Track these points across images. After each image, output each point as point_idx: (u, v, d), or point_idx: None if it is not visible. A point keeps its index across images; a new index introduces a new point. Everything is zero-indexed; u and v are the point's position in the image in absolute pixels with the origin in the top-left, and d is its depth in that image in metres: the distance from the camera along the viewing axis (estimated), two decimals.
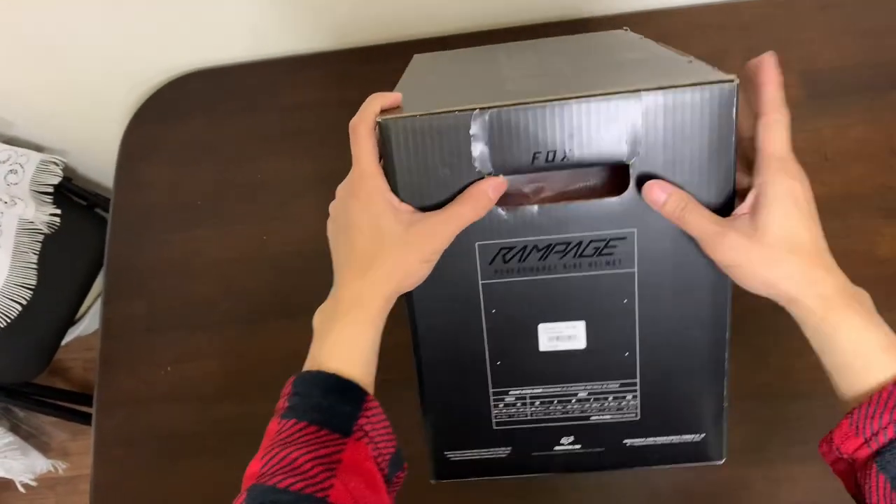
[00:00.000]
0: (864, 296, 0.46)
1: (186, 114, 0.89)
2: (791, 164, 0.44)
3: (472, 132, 0.46)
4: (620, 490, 0.67)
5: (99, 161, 1.10)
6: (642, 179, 0.47)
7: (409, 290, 0.49)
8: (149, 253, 0.82)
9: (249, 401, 0.75)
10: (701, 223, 0.45)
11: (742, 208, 0.45)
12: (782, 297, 0.44)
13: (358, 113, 0.48)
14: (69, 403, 1.25)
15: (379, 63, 0.87)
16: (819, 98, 0.79)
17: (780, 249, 0.43)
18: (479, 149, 0.47)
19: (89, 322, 1.27)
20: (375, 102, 0.48)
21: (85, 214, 1.12)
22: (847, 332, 0.43)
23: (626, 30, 0.67)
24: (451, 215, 0.47)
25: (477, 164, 0.47)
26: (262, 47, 0.90)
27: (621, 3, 0.86)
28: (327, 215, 0.84)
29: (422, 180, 0.48)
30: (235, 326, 0.78)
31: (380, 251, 0.47)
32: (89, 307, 1.25)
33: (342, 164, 0.82)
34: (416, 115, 0.46)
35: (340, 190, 0.51)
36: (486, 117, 0.46)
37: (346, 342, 0.47)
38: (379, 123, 0.47)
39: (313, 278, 0.78)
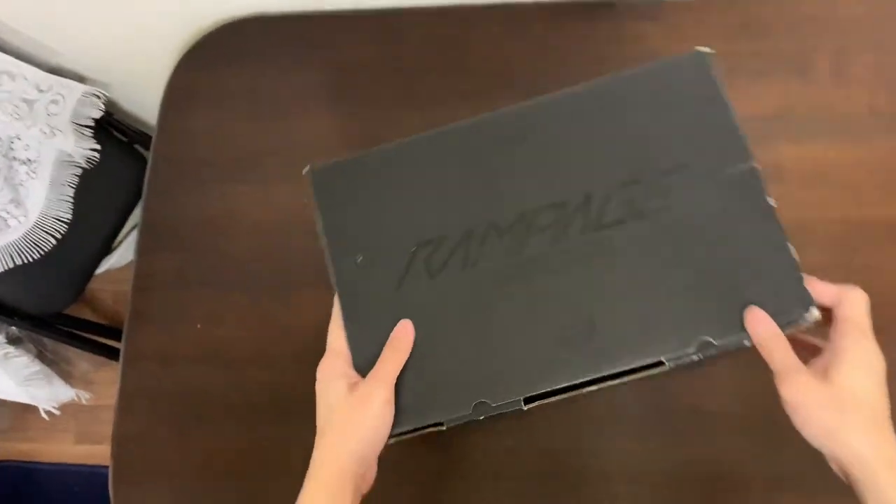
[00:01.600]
0: None
1: (238, 61, 0.85)
2: (872, 336, 0.47)
3: None
4: None
5: (143, 98, 1.07)
6: None
7: (371, 452, 0.52)
8: (186, 206, 0.80)
9: (277, 368, 0.73)
10: (781, 357, 0.47)
11: (816, 362, 0.47)
12: (841, 451, 0.45)
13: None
14: (96, 336, 1.25)
15: (431, 26, 0.83)
16: None
17: (849, 402, 0.45)
18: None
19: (122, 254, 1.27)
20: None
21: (125, 150, 1.10)
22: None
23: (704, 51, 0.55)
24: (378, 368, 0.52)
25: None
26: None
27: None
28: None
29: None
30: (268, 290, 0.76)
31: (327, 421, 0.52)
32: (122, 239, 1.25)
33: (389, 129, 0.79)
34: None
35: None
36: None
37: None
38: None
39: None
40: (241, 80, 0.84)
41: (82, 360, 1.35)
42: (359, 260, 0.55)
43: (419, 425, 0.52)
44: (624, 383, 0.51)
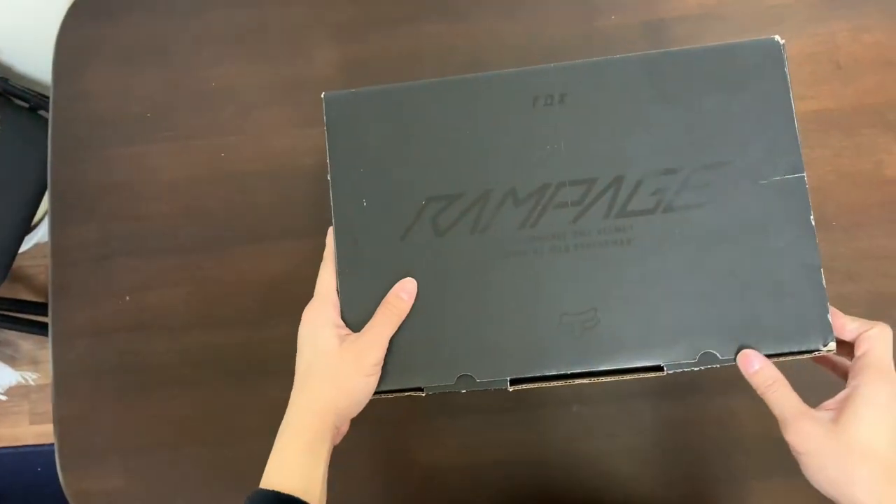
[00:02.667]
0: None
1: (129, 9, 0.78)
2: (893, 377, 0.44)
3: None
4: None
5: (37, 58, 1.00)
6: None
7: (353, 410, 0.50)
8: (96, 171, 0.75)
9: (217, 329, 0.71)
10: (784, 403, 0.45)
11: (829, 403, 0.45)
12: (847, 501, 0.43)
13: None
14: (35, 315, 1.21)
15: None
16: None
17: (856, 452, 0.42)
18: None
19: (48, 228, 1.21)
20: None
21: (28, 117, 1.03)
22: None
23: (779, 41, 0.50)
24: (375, 330, 0.49)
25: None
26: None
27: None
28: (291, 126, 0.77)
29: None
30: (196, 252, 0.72)
31: (312, 368, 0.50)
32: (46, 212, 1.19)
33: (306, 69, 0.75)
34: None
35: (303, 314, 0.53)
36: None
37: (285, 462, 0.49)
38: None
39: (277, 199, 0.73)
40: (135, 30, 0.77)
41: (25, 341, 1.30)
42: (364, 204, 0.51)
43: (400, 387, 0.50)
44: (618, 381, 0.49)
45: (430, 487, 0.67)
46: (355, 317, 0.50)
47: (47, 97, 1.04)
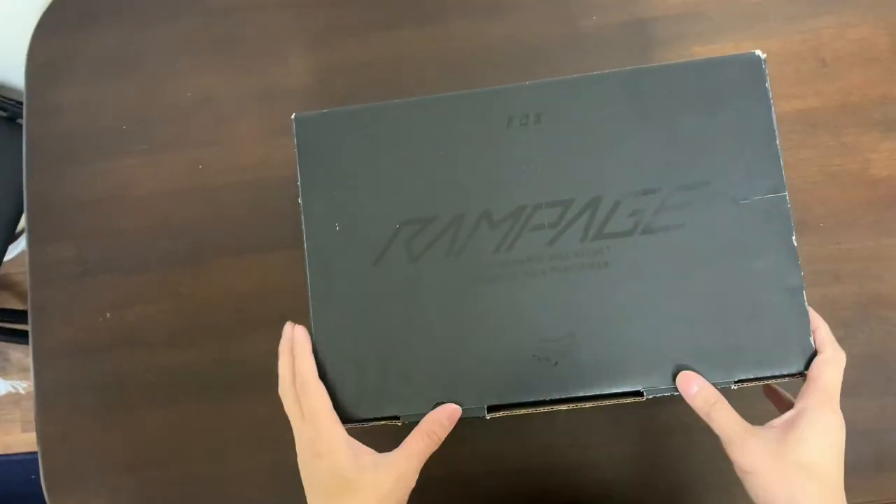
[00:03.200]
0: None
1: (100, 19, 0.77)
2: (837, 405, 0.45)
3: None
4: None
5: (11, 66, 0.98)
6: None
7: None
8: (72, 188, 0.73)
9: (197, 346, 0.70)
10: (727, 423, 0.45)
11: (776, 422, 0.45)
12: None
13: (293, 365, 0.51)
14: (19, 325, 1.20)
15: None
16: None
17: (801, 472, 0.43)
18: None
19: (26, 246, 1.20)
20: (302, 349, 0.50)
21: (6, 125, 1.01)
22: None
23: (760, 55, 0.49)
24: (411, 453, 0.47)
25: None
26: None
27: None
28: (267, 136, 0.75)
29: None
30: (175, 267, 0.71)
31: (342, 492, 0.46)
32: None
33: (282, 78, 0.73)
34: None
35: (303, 453, 0.49)
36: None
37: None
38: None
39: (256, 211, 0.72)
40: (106, 42, 0.76)
41: (14, 350, 1.29)
42: (337, 228, 0.50)
43: (376, 415, 0.49)
44: (597, 406, 0.49)
45: (413, 498, 0.67)
46: (328, 347, 0.49)
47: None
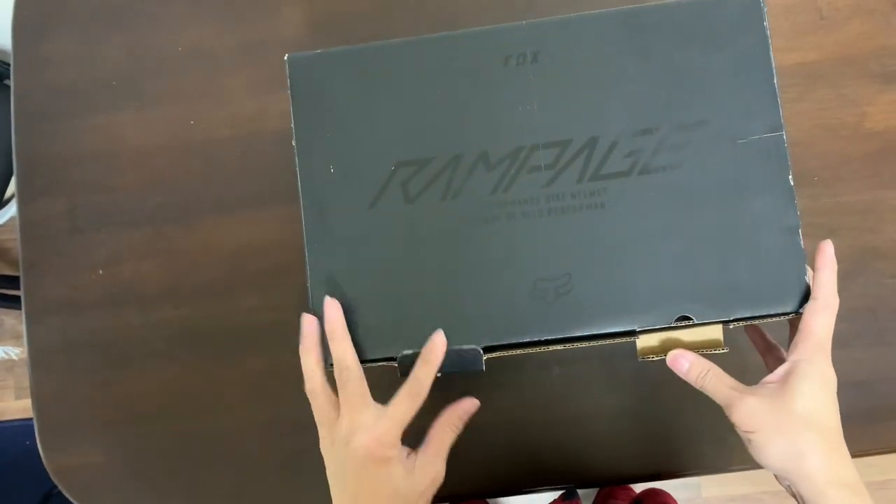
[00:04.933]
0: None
1: None
2: (829, 353, 0.45)
3: None
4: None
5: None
6: None
7: None
8: (62, 143, 0.72)
9: (191, 302, 0.70)
10: (723, 389, 0.45)
11: (771, 377, 0.45)
12: (794, 471, 0.43)
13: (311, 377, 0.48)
14: (10, 290, 1.19)
15: None
16: None
17: (802, 424, 0.43)
18: None
19: (16, 202, 1.19)
20: (341, 331, 0.48)
21: None
22: None
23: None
24: (440, 449, 0.48)
25: None
26: None
27: None
28: (259, 89, 0.74)
29: None
30: (168, 223, 0.71)
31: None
32: None
33: (274, 29, 0.72)
34: None
35: (340, 450, 0.47)
36: None
37: None
38: None
39: (250, 165, 0.71)
40: None
41: (7, 316, 1.28)
42: (332, 170, 0.49)
43: (373, 357, 0.49)
44: (592, 357, 0.49)
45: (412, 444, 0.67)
46: (323, 290, 0.49)
47: (8, 65, 1.01)
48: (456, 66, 0.49)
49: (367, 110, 0.49)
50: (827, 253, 0.46)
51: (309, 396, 0.48)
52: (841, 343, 0.62)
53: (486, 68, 0.48)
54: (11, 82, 0.74)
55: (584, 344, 0.48)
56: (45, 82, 0.73)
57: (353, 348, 0.47)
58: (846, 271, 0.64)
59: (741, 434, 0.45)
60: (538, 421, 0.65)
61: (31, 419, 1.13)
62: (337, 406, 0.47)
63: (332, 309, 0.48)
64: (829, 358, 0.45)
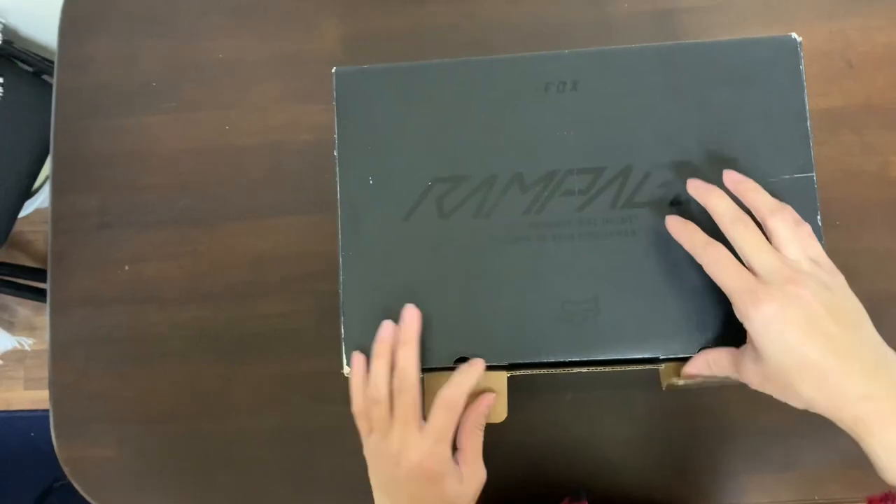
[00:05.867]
0: None
1: None
2: (755, 288, 0.41)
3: None
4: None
5: (44, 22, 0.99)
6: None
7: None
8: (98, 140, 0.74)
9: (212, 304, 0.71)
10: (723, 366, 0.45)
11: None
12: (826, 414, 0.41)
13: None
14: (31, 281, 1.20)
15: None
16: None
17: (783, 381, 0.41)
18: None
19: (49, 193, 1.21)
20: (413, 335, 0.48)
21: (32, 81, 1.02)
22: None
23: (796, 38, 0.50)
24: (478, 454, 0.49)
25: None
26: None
27: None
28: (292, 101, 0.75)
29: None
30: (195, 225, 0.72)
31: None
32: (48, 177, 1.18)
33: (310, 44, 0.74)
34: None
35: (392, 465, 0.48)
36: None
37: None
38: None
39: (278, 175, 0.73)
40: None
41: (22, 307, 1.30)
42: (370, 182, 0.51)
43: None
44: (609, 372, 0.50)
45: None
46: (355, 298, 0.50)
47: (51, 62, 1.03)
48: (497, 89, 0.50)
49: (409, 126, 0.51)
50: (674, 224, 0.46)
51: (370, 401, 0.49)
52: None
53: (527, 93, 0.50)
54: (55, 79, 0.76)
55: (608, 368, 0.48)
56: (86, 81, 0.75)
57: (418, 359, 0.48)
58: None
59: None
60: (549, 443, 0.66)
61: (38, 411, 1.15)
62: (390, 416, 0.48)
63: (411, 315, 0.49)
64: (760, 298, 0.41)
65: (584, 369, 0.49)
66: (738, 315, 0.43)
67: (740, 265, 0.43)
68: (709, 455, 0.65)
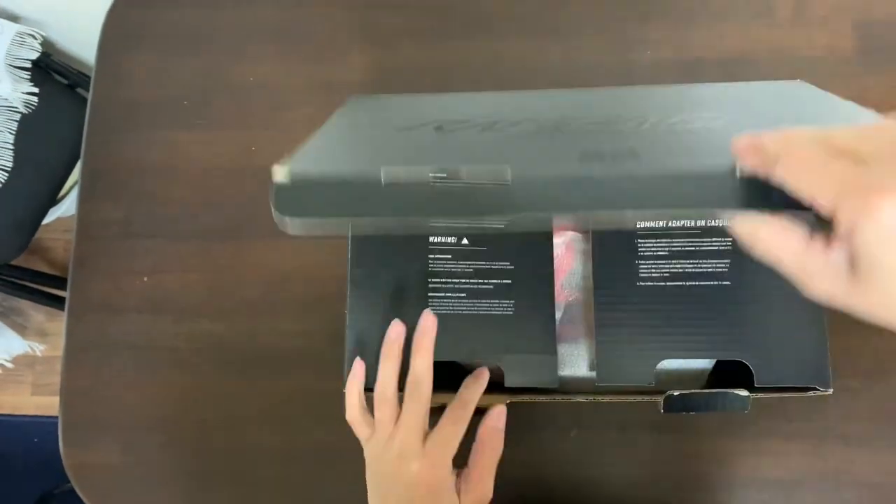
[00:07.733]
0: None
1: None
2: (884, 160, 0.28)
3: None
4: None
5: (82, 37, 1.02)
6: None
7: None
8: (129, 152, 0.76)
9: (227, 319, 0.72)
10: (788, 249, 0.32)
11: (837, 241, 0.30)
12: None
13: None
14: (47, 287, 1.22)
15: None
16: (872, 53, 0.71)
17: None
18: None
19: (73, 202, 1.23)
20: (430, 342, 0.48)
21: (66, 94, 1.05)
22: None
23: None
24: (483, 473, 0.49)
25: None
26: None
27: None
28: (319, 127, 0.76)
29: None
30: (217, 240, 0.73)
31: None
32: (72, 187, 1.21)
33: (340, 72, 0.76)
34: None
35: (393, 472, 0.48)
36: None
37: None
38: None
39: None
40: (183, 18, 0.79)
41: (36, 312, 1.32)
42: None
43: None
44: (618, 410, 0.50)
45: None
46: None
47: (87, 76, 1.06)
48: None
49: None
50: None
51: (375, 401, 0.49)
52: (860, 444, 0.62)
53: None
54: (91, 92, 0.78)
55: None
56: (121, 94, 0.78)
57: (431, 365, 0.48)
58: (869, 371, 0.65)
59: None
60: (551, 478, 0.66)
61: (43, 417, 1.15)
62: (396, 420, 0.48)
63: (429, 322, 0.48)
64: (875, 205, 0.27)
65: (585, 398, 0.49)
66: (838, 234, 0.29)
67: (828, 157, 0.30)
68: (711, 500, 0.64)
